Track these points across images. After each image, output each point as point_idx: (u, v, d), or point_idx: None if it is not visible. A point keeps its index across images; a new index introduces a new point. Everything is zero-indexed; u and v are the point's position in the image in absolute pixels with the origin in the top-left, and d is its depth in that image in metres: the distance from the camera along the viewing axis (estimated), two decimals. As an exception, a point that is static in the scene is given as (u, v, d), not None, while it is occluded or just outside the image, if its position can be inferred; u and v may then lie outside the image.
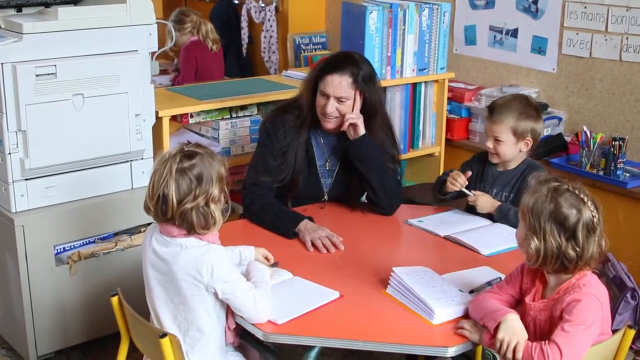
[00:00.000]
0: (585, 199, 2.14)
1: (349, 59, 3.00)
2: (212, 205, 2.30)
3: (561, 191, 2.15)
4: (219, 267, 2.27)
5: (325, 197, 3.18)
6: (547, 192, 2.15)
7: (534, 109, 3.05)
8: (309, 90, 3.05)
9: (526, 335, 2.13)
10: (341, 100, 2.97)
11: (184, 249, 2.29)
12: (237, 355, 2.48)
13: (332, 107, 2.96)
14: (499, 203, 3.01)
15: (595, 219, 2.13)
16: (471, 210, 3.12)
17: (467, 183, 3.06)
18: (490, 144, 3.03)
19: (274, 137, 3.06)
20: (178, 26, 5.06)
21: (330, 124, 3.03)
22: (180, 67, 5.18)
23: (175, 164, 2.27)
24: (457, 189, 3.07)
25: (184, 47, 5.12)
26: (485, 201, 3.04)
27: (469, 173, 3.08)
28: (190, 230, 2.29)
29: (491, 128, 3.01)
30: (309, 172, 3.12)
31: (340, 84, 2.95)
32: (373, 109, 3.04)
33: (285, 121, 3.07)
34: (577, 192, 2.15)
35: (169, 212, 2.27)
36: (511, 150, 3.02)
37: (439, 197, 3.18)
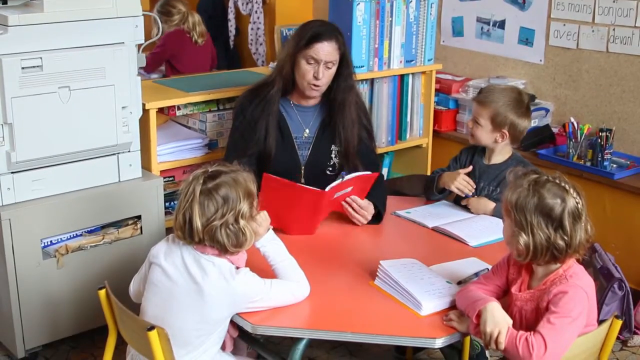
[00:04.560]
0: (567, 186, 2.15)
1: (329, 26, 3.15)
2: (242, 222, 2.28)
3: (542, 182, 2.15)
4: (251, 290, 2.29)
5: (302, 170, 3.19)
6: (528, 186, 2.15)
7: (523, 105, 3.03)
8: (290, 61, 3.11)
9: (510, 322, 2.13)
10: (328, 66, 3.07)
11: (217, 270, 2.27)
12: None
13: (323, 72, 3.05)
14: (493, 205, 3.01)
15: (579, 205, 2.14)
16: (460, 202, 3.14)
17: (474, 187, 3.07)
18: (470, 124, 3.08)
19: (244, 114, 3.17)
20: (165, 18, 4.96)
21: (316, 92, 3.12)
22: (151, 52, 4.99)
23: (199, 186, 2.26)
24: (466, 193, 3.07)
25: (163, 35, 4.88)
26: (477, 204, 3.05)
27: (470, 168, 3.09)
28: (222, 250, 2.28)
29: (475, 109, 3.06)
30: (283, 145, 3.15)
31: (330, 51, 3.06)
32: (350, 71, 3.18)
33: (253, 97, 3.18)
34: (557, 181, 2.15)
35: (195, 236, 2.26)
36: (485, 136, 3.03)
37: (436, 195, 3.17)
